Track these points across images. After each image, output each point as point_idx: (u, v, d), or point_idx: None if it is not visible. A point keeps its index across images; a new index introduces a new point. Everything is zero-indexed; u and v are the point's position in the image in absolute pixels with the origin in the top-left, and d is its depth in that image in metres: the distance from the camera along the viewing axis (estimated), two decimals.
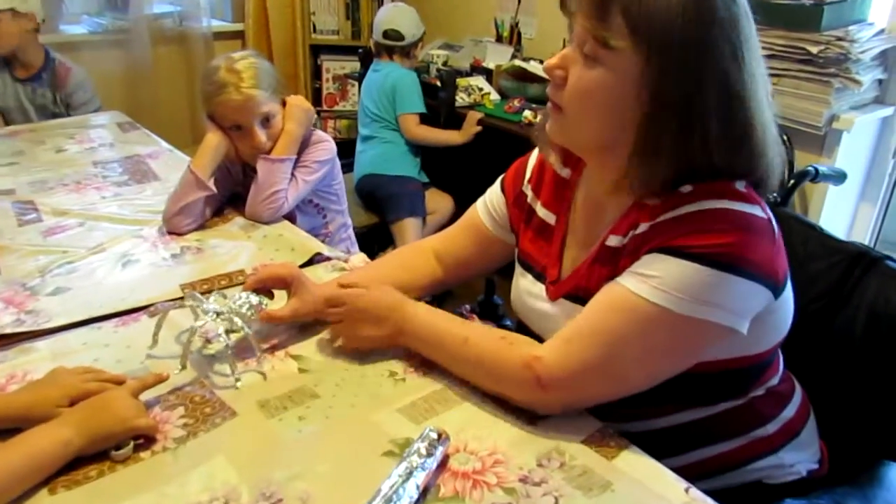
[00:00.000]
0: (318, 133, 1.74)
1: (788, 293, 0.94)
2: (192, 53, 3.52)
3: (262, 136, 1.58)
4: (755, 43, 0.87)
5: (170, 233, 1.56)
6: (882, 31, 2.21)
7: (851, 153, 2.32)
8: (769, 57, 2.17)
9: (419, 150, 2.86)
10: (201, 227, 1.59)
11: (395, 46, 2.81)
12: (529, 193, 1.14)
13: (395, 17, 2.84)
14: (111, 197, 1.77)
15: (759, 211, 0.87)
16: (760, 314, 0.88)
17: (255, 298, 1.12)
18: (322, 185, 1.74)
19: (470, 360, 0.99)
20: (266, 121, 1.59)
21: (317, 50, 3.83)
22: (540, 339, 0.99)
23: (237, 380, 1.04)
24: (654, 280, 0.85)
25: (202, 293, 1.19)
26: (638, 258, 0.89)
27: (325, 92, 3.87)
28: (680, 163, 0.86)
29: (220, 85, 1.54)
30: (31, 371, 1.07)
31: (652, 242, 0.87)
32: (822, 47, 2.09)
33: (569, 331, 0.92)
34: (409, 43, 2.82)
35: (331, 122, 3.92)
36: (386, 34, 2.81)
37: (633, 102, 0.86)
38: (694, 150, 0.85)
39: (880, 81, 2.28)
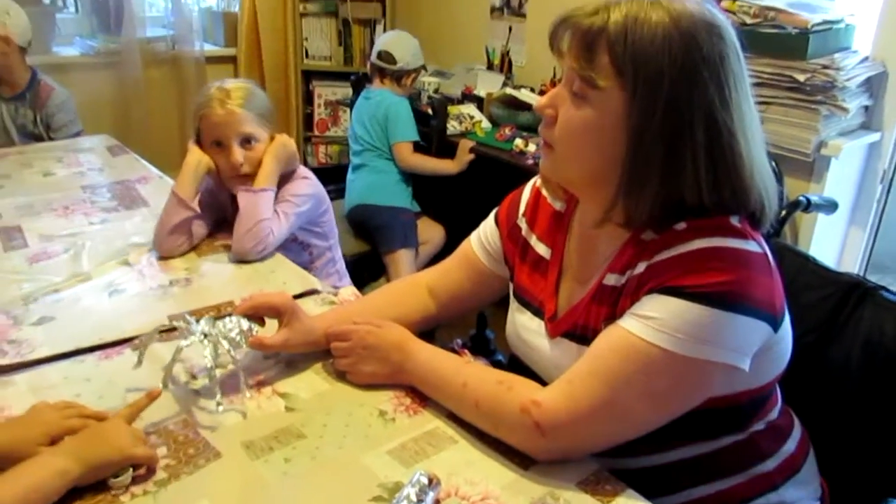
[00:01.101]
0: (300, 169, 1.73)
1: (787, 325, 0.93)
2: (183, 76, 3.51)
3: (238, 154, 1.57)
4: (743, 77, 0.88)
5: (163, 258, 1.55)
6: (866, 58, 2.24)
7: (840, 179, 2.33)
8: (757, 85, 2.18)
9: (411, 178, 2.84)
10: (192, 249, 1.59)
11: (386, 69, 2.81)
12: (524, 226, 1.14)
13: (392, 41, 2.85)
14: (99, 223, 1.75)
15: (755, 246, 0.87)
16: (761, 348, 0.87)
17: (245, 323, 1.10)
18: (307, 222, 1.72)
19: (469, 404, 0.99)
20: (247, 142, 1.58)
21: (308, 75, 3.84)
22: (535, 375, 0.98)
23: (219, 404, 1.02)
24: (654, 321, 0.84)
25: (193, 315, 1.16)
26: (637, 299, 0.88)
27: (316, 117, 3.87)
28: (667, 198, 0.87)
29: (208, 99, 1.57)
30: (7, 407, 1.04)
31: (650, 283, 0.87)
32: (809, 75, 2.11)
33: (570, 375, 0.90)
34: (401, 69, 2.81)
35: (322, 148, 3.91)
36: (379, 55, 2.81)
37: (620, 139, 0.87)
38: (682, 186, 0.86)
39: (866, 108, 2.30)
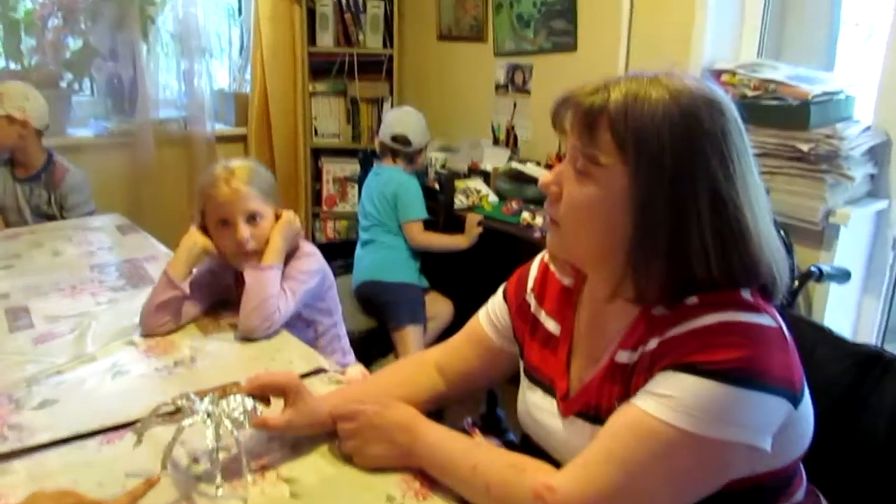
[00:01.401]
0: (305, 246, 1.73)
1: (807, 401, 0.90)
2: (194, 155, 3.58)
3: (245, 231, 1.57)
4: (746, 150, 0.88)
5: (146, 335, 1.54)
6: (868, 127, 2.25)
7: (850, 247, 2.31)
8: (762, 155, 2.20)
9: (419, 254, 2.85)
10: (178, 329, 1.58)
11: (400, 151, 2.84)
12: (533, 302, 1.13)
13: (405, 122, 2.87)
14: (106, 302, 1.75)
15: (769, 320, 0.85)
16: (781, 426, 0.84)
17: (249, 402, 1.07)
18: (312, 299, 1.71)
19: (479, 488, 0.95)
20: (253, 219, 1.59)
21: (317, 152, 3.91)
22: (547, 455, 0.94)
23: (218, 487, 0.98)
24: (670, 400, 0.82)
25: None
26: (651, 376, 0.86)
27: (325, 193, 3.92)
28: (676, 273, 0.86)
29: (213, 178, 1.58)
30: (5, 496, 1.01)
31: (664, 360, 0.85)
32: (813, 145, 2.13)
33: (584, 458, 0.87)
34: (415, 150, 2.85)
35: (330, 223, 3.95)
36: (395, 138, 2.83)
37: (625, 215, 0.87)
38: (690, 260, 0.85)
39: (872, 176, 2.30)
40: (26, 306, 1.71)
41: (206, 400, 1.06)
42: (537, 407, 1.07)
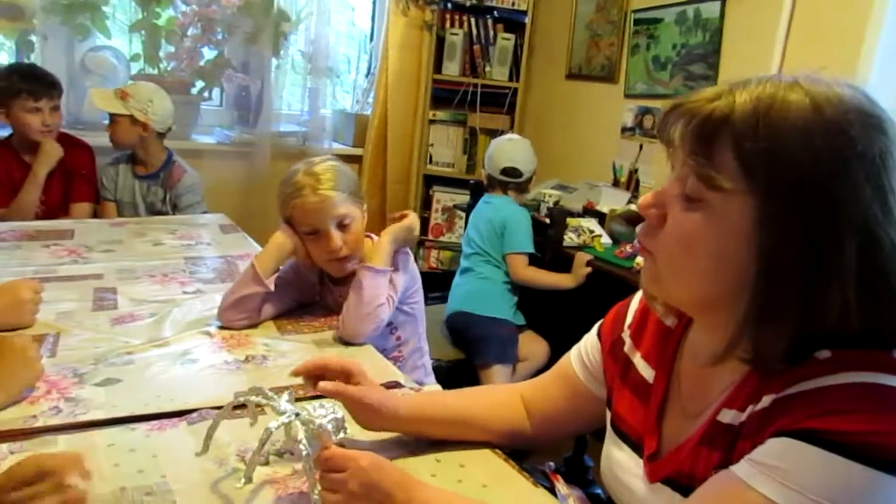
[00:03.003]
0: None
1: None
2: None
3: (338, 239, 1.48)
4: None
5: (222, 327, 1.47)
6: None
7: None
8: None
9: (517, 289, 2.68)
10: (256, 326, 1.51)
11: (510, 182, 2.72)
12: (628, 341, 0.95)
13: (513, 153, 2.73)
14: (192, 293, 1.70)
15: None
16: None
17: (340, 413, 0.91)
18: (399, 301, 1.59)
19: None
20: (343, 225, 1.49)
21: (430, 180, 3.85)
22: None
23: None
24: (782, 474, 0.63)
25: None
26: (761, 442, 0.67)
27: (432, 222, 3.84)
28: (806, 330, 0.67)
29: (298, 187, 1.48)
30: None
31: (778, 422, 0.66)
32: None
33: None
34: (525, 179, 2.73)
35: (434, 253, 3.86)
36: (504, 171, 2.72)
37: (744, 256, 0.69)
38: (825, 317, 0.66)
39: None
40: (115, 288, 1.69)
41: (285, 397, 0.93)
42: (620, 466, 0.89)
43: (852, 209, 0.65)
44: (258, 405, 0.97)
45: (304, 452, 0.83)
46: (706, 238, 0.71)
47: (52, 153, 2.47)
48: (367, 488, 0.83)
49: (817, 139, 0.65)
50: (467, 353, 2.61)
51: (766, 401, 0.69)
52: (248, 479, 0.90)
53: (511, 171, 2.70)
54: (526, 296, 2.70)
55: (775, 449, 0.65)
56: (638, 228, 0.79)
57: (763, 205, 0.67)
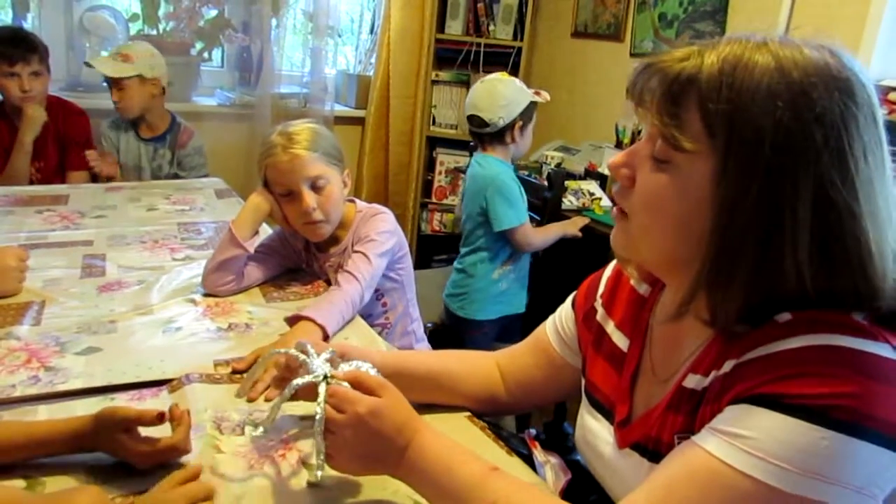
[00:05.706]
0: (374, 206, 1.60)
1: None
2: None
3: (310, 199, 1.45)
4: (879, 146, 0.67)
5: (208, 294, 1.47)
6: None
7: None
8: None
9: (514, 272, 2.34)
10: (241, 291, 1.50)
11: (482, 134, 2.26)
12: (600, 310, 0.94)
13: (477, 97, 2.23)
14: (182, 259, 1.70)
15: (889, 350, 0.63)
16: (894, 491, 0.63)
17: (373, 371, 0.87)
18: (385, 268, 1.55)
19: None
20: (316, 186, 1.47)
21: (433, 142, 3.81)
22: (602, 489, 0.75)
23: (319, 467, 0.80)
24: (745, 442, 0.63)
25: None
26: (720, 408, 0.67)
27: (436, 184, 3.81)
28: (762, 290, 0.67)
29: (271, 146, 1.46)
30: None
31: (737, 388, 0.66)
32: None
33: None
34: (498, 128, 2.21)
35: (437, 215, 3.84)
36: (470, 121, 2.26)
37: (706, 215, 0.68)
38: (781, 278, 0.66)
39: None
40: (104, 254, 1.69)
41: (324, 356, 0.89)
42: (593, 433, 0.89)
43: (809, 172, 0.64)
44: (294, 353, 0.90)
45: (318, 416, 0.80)
46: (671, 199, 0.71)
47: (35, 118, 2.38)
48: (361, 436, 0.78)
49: (778, 100, 0.64)
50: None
51: (727, 366, 0.69)
52: (266, 430, 0.90)
53: (476, 121, 2.23)
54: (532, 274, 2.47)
55: (734, 415, 0.65)
56: (613, 190, 0.79)
57: (723, 165, 0.66)
